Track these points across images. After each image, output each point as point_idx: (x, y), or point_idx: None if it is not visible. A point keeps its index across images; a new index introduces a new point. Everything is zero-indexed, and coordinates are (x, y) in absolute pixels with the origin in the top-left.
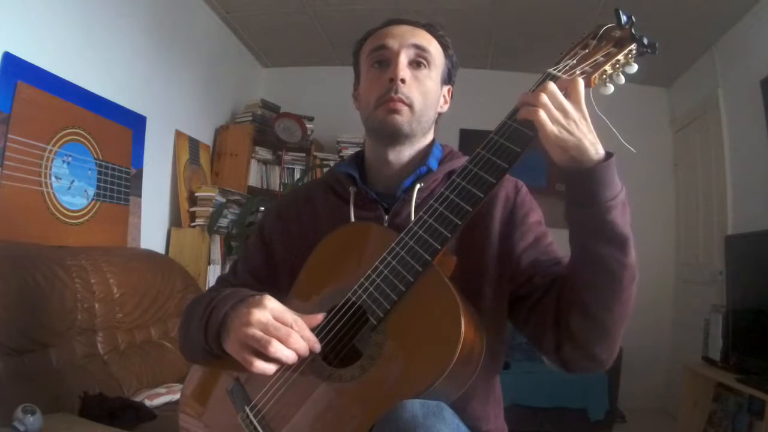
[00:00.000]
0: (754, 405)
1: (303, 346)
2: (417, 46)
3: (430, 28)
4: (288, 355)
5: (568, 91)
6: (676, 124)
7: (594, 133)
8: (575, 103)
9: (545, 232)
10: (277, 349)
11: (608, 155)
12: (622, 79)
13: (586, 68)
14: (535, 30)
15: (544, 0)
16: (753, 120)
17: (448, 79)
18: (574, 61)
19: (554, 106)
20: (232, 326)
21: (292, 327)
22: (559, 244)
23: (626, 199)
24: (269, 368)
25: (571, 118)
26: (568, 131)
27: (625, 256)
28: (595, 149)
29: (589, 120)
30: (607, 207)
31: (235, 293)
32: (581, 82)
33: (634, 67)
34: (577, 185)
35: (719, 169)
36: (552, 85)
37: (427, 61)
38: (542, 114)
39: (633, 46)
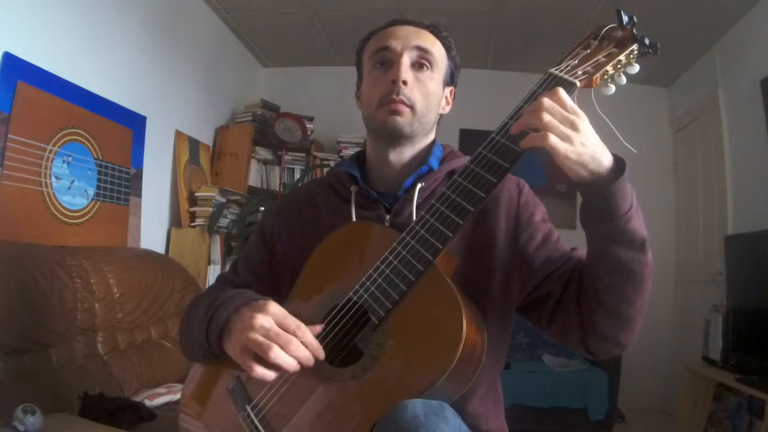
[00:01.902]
0: (754, 405)
1: (305, 354)
2: (420, 48)
3: (434, 30)
4: (289, 362)
5: (555, 102)
6: (676, 124)
7: (597, 136)
8: (571, 112)
9: (552, 228)
10: (278, 355)
11: (616, 159)
12: (624, 80)
13: (588, 68)
14: (536, 30)
15: (545, 0)
16: (753, 120)
17: (450, 80)
18: (576, 62)
19: (559, 121)
20: (234, 329)
21: (295, 333)
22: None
23: (637, 200)
24: (269, 374)
25: (581, 130)
26: (582, 144)
27: (645, 255)
28: (605, 155)
29: (589, 124)
30: (627, 218)
31: (239, 295)
32: (561, 89)
33: (636, 68)
34: (597, 201)
35: (719, 169)
36: (548, 100)
37: (430, 63)
38: (552, 138)
39: (634, 47)
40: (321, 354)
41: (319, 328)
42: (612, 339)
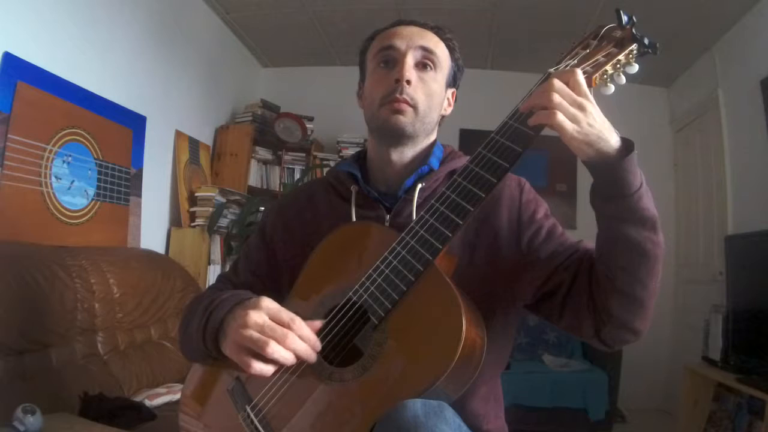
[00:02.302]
0: (754, 405)
1: (301, 347)
2: (424, 48)
3: (438, 31)
4: (286, 356)
5: (570, 84)
6: (676, 124)
7: (605, 119)
8: (582, 95)
9: (555, 223)
10: (274, 350)
11: (624, 140)
12: (623, 79)
13: (587, 68)
14: (536, 30)
15: (545, 1)
16: (753, 120)
17: (452, 82)
18: (575, 62)
19: (569, 103)
20: (229, 329)
21: (289, 326)
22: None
23: (647, 183)
24: (267, 369)
25: (588, 111)
26: (589, 125)
27: (657, 234)
28: (613, 137)
29: (597, 107)
30: (639, 195)
31: (234, 296)
32: (579, 72)
33: (635, 67)
34: (606, 179)
35: (719, 169)
36: (558, 82)
37: (434, 64)
38: (560, 116)
39: (634, 47)
40: (318, 346)
41: (319, 323)
42: (627, 325)
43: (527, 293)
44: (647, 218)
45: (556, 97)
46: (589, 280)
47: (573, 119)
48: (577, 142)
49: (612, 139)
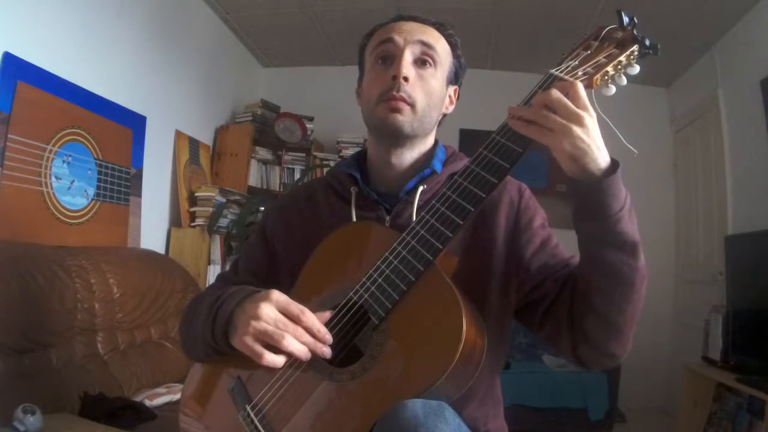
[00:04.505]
0: (754, 405)
1: (311, 341)
2: (423, 43)
3: (439, 27)
4: (300, 349)
5: (570, 96)
6: (676, 124)
7: (600, 136)
8: (582, 108)
9: (551, 234)
10: (290, 342)
11: (612, 162)
12: (624, 80)
13: (588, 69)
14: (536, 30)
15: (545, 0)
16: (753, 120)
17: (454, 79)
18: (576, 62)
19: (564, 116)
20: (239, 321)
21: (299, 318)
22: (561, 244)
23: (632, 205)
24: (279, 361)
25: (585, 125)
26: (580, 139)
27: (636, 260)
28: (602, 155)
29: (595, 121)
30: (617, 218)
31: (242, 290)
32: (581, 85)
33: (636, 68)
34: (586, 198)
35: (719, 169)
36: (556, 92)
37: (433, 60)
38: (549, 134)
39: (635, 48)
40: (328, 338)
41: (328, 314)
42: (601, 348)
43: (515, 298)
44: (625, 242)
45: (543, 112)
46: (571, 297)
47: (563, 132)
48: (566, 157)
49: (600, 158)
